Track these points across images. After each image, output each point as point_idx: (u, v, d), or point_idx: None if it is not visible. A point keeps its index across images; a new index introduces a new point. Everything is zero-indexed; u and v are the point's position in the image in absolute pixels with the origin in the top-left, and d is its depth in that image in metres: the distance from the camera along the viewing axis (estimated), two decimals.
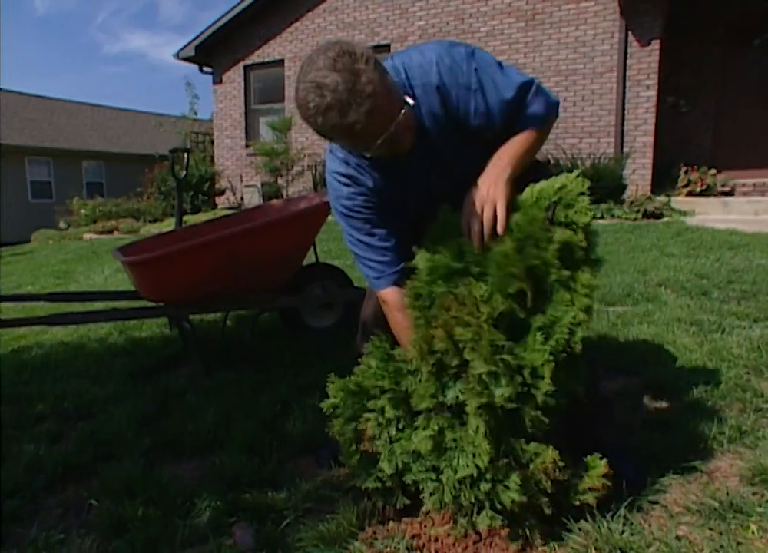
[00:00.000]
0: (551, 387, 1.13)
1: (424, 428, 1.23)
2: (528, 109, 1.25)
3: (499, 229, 1.19)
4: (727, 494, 1.32)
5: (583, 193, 1.20)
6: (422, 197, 1.37)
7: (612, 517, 1.24)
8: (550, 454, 1.17)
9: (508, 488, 1.15)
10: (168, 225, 8.64)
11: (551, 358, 1.14)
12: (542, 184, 1.24)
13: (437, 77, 1.20)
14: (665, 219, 6.24)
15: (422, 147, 1.26)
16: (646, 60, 7.06)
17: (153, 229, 8.84)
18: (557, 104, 1.31)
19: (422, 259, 1.27)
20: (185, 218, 8.02)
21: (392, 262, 1.35)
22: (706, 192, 6.90)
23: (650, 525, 1.25)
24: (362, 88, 1.04)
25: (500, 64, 1.24)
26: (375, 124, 1.09)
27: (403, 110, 1.12)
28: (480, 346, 1.13)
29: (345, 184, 1.33)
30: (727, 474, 1.44)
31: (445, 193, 1.33)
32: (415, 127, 1.20)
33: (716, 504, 1.28)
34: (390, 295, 1.36)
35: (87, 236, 9.70)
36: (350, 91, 1.04)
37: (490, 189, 1.21)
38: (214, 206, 10.24)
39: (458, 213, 1.26)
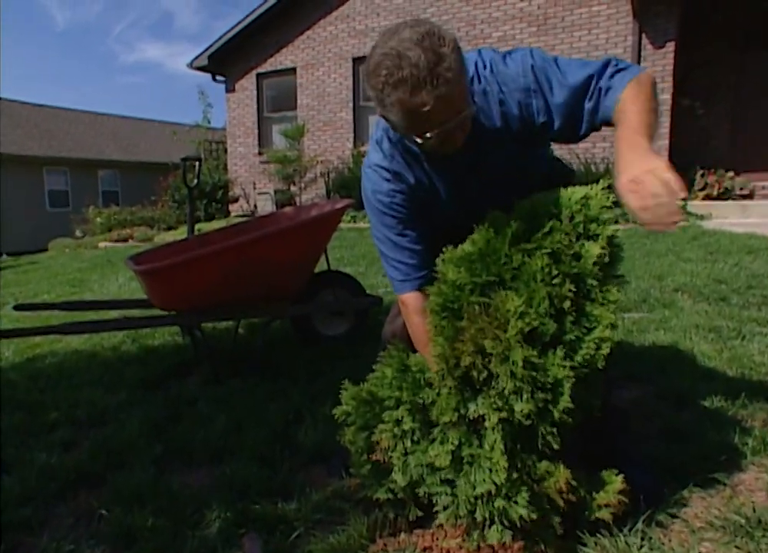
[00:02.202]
0: (570, 404, 1.10)
1: (442, 443, 1.20)
2: (605, 98, 1.14)
3: (678, 189, 0.94)
4: (754, 510, 1.26)
5: (608, 207, 1.17)
6: (457, 204, 1.35)
7: (630, 531, 1.20)
8: (562, 473, 1.14)
9: (516, 503, 1.12)
10: (182, 233, 8.71)
11: (572, 374, 1.11)
12: (560, 192, 1.21)
13: (497, 86, 1.19)
14: (681, 223, 6.14)
15: (470, 149, 1.24)
16: (660, 62, 6.99)
17: (168, 237, 8.93)
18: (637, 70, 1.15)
19: (453, 269, 1.22)
20: (199, 226, 8.09)
21: (419, 266, 1.33)
22: (724, 195, 6.78)
23: (670, 541, 1.21)
24: (442, 72, 1.01)
25: (556, 60, 1.19)
26: (440, 112, 1.06)
27: (467, 110, 1.10)
28: (509, 361, 1.10)
29: (387, 179, 1.31)
30: (753, 488, 1.38)
31: (480, 202, 1.31)
32: (468, 129, 1.17)
33: (743, 521, 1.22)
34: (411, 299, 1.34)
35: (102, 244, 9.82)
36: (430, 70, 1.01)
37: (641, 162, 0.99)
38: (228, 213, 10.33)
39: (500, 220, 1.22)
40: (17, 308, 2.81)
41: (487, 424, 1.13)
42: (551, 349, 1.14)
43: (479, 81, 1.20)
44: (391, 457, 1.27)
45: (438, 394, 1.21)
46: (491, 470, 1.13)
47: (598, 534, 1.19)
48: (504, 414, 1.11)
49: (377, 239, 1.37)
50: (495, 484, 1.12)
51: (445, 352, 1.17)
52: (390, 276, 1.38)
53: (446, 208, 1.36)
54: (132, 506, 1.44)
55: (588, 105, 1.17)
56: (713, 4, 7.13)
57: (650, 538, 1.20)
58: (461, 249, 1.24)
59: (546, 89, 1.18)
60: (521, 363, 1.09)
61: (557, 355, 1.12)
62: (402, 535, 1.31)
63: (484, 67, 1.21)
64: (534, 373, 1.10)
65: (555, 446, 1.15)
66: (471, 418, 1.17)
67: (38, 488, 1.59)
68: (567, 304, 1.13)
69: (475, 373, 1.14)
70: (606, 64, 1.17)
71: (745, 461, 1.49)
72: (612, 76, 1.15)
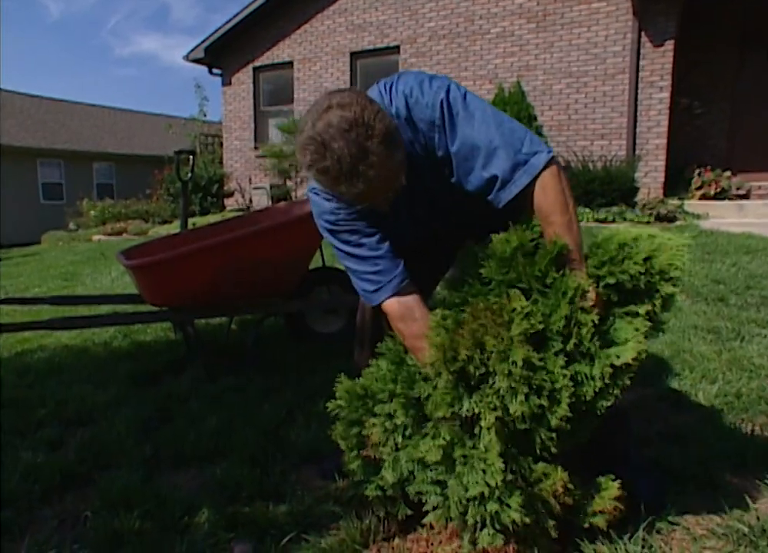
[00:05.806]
0: (568, 413, 1.08)
1: (433, 437, 1.17)
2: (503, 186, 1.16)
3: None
4: (758, 518, 1.23)
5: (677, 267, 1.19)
6: (411, 223, 1.36)
7: (630, 538, 1.17)
8: (560, 475, 1.11)
9: (509, 507, 1.09)
10: (177, 227, 8.63)
11: (570, 383, 1.08)
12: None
13: (405, 110, 1.18)
14: (678, 222, 6.12)
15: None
16: (659, 61, 6.96)
17: (162, 230, 8.85)
18: (536, 165, 1.14)
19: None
20: (194, 220, 8.02)
21: (387, 270, 1.27)
22: (721, 195, 6.77)
23: (671, 549, 1.18)
24: (363, 171, 1.03)
25: (467, 108, 1.16)
26: (361, 200, 1.12)
27: (394, 186, 1.12)
28: (509, 360, 1.08)
29: (327, 199, 1.30)
30: (755, 494, 1.36)
31: (439, 217, 1.34)
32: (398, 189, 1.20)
33: (746, 529, 1.19)
34: (390, 306, 1.27)
35: (96, 237, 9.74)
36: (352, 167, 1.02)
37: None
38: (223, 207, 10.25)
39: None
40: (4, 302, 2.75)
41: (482, 423, 1.10)
42: (553, 357, 1.11)
43: (392, 104, 1.19)
44: (381, 452, 1.24)
45: (435, 387, 1.18)
46: (484, 471, 1.10)
47: (597, 541, 1.16)
48: (499, 412, 1.09)
49: (341, 259, 1.36)
50: (489, 486, 1.09)
51: (443, 342, 1.13)
52: (363, 290, 1.32)
53: (401, 227, 1.35)
54: (119, 509, 1.40)
55: (484, 173, 1.17)
56: (713, 4, 7.10)
57: (651, 546, 1.17)
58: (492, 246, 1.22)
59: (448, 130, 1.17)
60: (520, 363, 1.06)
61: (558, 363, 1.09)
62: (396, 540, 1.28)
63: (396, 91, 1.20)
64: (531, 373, 1.08)
65: (554, 450, 1.12)
66: (465, 416, 1.14)
67: (23, 489, 1.54)
68: (585, 332, 1.12)
69: (471, 368, 1.11)
70: (522, 140, 1.14)
71: (746, 466, 1.47)
72: (514, 169, 1.14)
